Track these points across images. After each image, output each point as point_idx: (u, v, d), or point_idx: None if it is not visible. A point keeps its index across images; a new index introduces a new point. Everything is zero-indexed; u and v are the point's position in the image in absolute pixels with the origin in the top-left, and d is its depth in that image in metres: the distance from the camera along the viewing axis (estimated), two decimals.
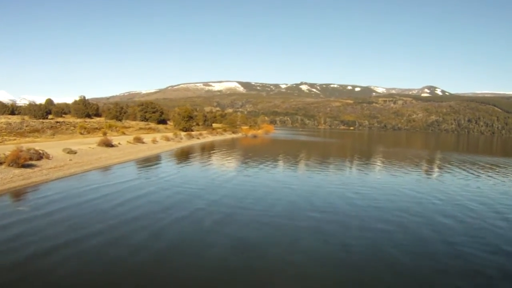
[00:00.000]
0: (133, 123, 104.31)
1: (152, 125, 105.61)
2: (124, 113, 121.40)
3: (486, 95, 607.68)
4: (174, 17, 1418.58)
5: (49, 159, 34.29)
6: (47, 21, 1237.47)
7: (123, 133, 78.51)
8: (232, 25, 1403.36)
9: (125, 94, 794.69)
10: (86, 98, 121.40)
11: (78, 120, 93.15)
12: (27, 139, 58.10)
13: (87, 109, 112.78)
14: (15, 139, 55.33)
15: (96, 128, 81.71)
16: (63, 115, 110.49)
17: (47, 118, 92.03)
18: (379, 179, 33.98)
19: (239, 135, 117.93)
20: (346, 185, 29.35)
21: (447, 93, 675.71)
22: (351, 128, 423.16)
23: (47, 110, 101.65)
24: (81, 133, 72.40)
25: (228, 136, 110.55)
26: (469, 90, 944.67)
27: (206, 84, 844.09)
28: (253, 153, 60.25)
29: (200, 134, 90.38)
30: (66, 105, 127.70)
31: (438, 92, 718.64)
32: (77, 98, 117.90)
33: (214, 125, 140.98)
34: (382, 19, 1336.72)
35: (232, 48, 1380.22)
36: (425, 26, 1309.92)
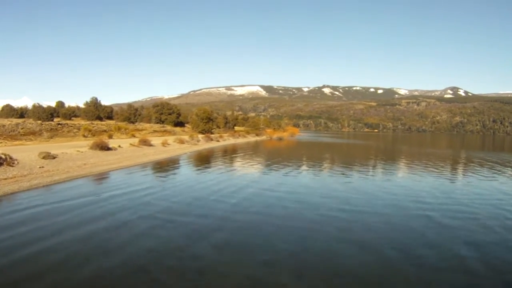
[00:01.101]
0: (147, 125, 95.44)
1: (168, 127, 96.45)
2: (139, 115, 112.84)
3: (510, 95, 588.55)
4: (196, 22, 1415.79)
5: (12, 166, 25.51)
6: (70, 28, 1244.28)
7: (133, 136, 69.60)
8: (253, 29, 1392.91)
9: (147, 99, 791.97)
10: (109, 103, 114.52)
11: (87, 122, 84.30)
12: (16, 142, 49.97)
13: (98, 111, 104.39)
14: (0, 143, 47.02)
15: (104, 131, 73.08)
16: (72, 118, 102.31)
17: (52, 121, 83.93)
18: (452, 195, 23.08)
19: (263, 137, 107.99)
20: (415, 208, 18.40)
21: (470, 94, 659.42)
22: (375, 130, 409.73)
23: (53, 112, 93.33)
24: (84, 136, 63.69)
25: (252, 139, 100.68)
26: (492, 90, 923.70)
27: (228, 88, 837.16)
28: (278, 156, 50.37)
29: (221, 137, 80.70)
30: (78, 107, 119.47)
31: (461, 93, 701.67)
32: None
33: (236, 128, 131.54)
34: (404, 21, 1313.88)
35: (254, 52, 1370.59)
36: (446, 27, 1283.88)
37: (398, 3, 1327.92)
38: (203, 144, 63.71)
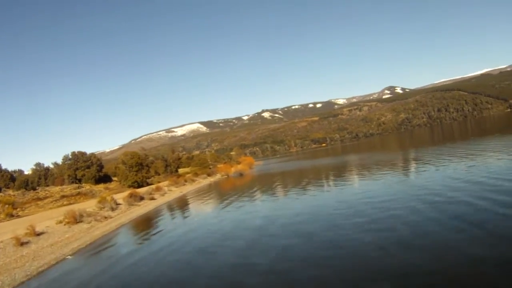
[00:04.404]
0: (57, 189, 65.47)
1: (87, 187, 66.79)
2: (51, 175, 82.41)
3: (446, 83, 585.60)
4: (128, 65, 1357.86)
5: None
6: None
7: (10, 217, 40.27)
8: (183, 66, 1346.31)
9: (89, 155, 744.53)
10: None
11: None
12: None
13: None
14: None
15: None
16: None
17: None
18: None
19: (218, 176, 79.79)
20: None
21: (407, 90, 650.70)
22: (323, 144, 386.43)
23: None
24: None
25: (203, 181, 71.75)
26: (428, 82, 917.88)
27: (168, 130, 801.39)
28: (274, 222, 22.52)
29: (158, 189, 51.66)
30: None
31: (399, 90, 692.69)
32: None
33: (181, 170, 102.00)
34: (324, 28, 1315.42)
35: (188, 89, 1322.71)
36: (367, 28, 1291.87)
37: (315, 14, 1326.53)
38: (121, 214, 34.67)
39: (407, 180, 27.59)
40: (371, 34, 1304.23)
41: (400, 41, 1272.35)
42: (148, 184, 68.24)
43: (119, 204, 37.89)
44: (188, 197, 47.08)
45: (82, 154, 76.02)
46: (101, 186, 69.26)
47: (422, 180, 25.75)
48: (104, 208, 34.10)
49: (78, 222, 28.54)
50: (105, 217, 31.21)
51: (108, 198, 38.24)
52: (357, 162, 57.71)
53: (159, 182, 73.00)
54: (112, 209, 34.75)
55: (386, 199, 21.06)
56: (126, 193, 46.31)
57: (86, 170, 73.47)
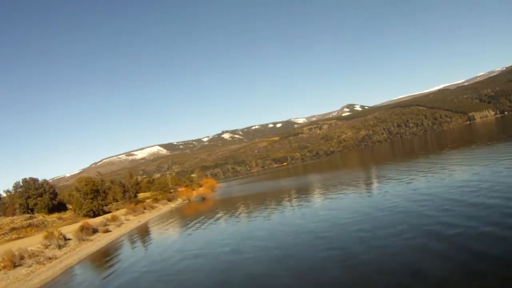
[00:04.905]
0: (6, 220, 60.03)
1: (39, 217, 61.68)
2: (3, 204, 76.63)
3: (403, 99, 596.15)
4: (85, 89, 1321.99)
5: None
6: None
7: None
8: (142, 88, 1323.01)
9: (49, 181, 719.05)
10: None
11: None
12: None
13: None
14: None
15: None
16: None
17: None
18: None
19: (179, 201, 76.02)
20: None
21: (366, 107, 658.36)
22: (284, 164, 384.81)
23: None
24: None
25: (163, 208, 67.81)
26: (386, 99, 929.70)
27: (128, 154, 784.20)
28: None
29: (114, 219, 47.67)
30: None
31: (358, 108, 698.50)
32: None
33: (141, 195, 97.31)
34: (281, 48, 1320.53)
35: (148, 112, 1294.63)
36: (324, 46, 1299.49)
37: (268, 38, 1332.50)
38: (69, 253, 30.62)
39: (395, 205, 22.42)
40: (328, 52, 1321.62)
41: (357, 59, 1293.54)
42: (105, 212, 63.76)
43: (69, 239, 33.88)
44: (146, 228, 43.35)
45: (34, 180, 70.71)
46: (54, 216, 64.22)
47: (412, 202, 21.85)
48: (50, 245, 30.12)
49: (16, 266, 24.61)
50: (49, 258, 27.24)
51: (56, 233, 34.05)
52: (323, 183, 54.37)
53: (117, 209, 68.80)
54: (59, 247, 30.72)
55: (383, 234, 16.59)
56: (78, 225, 42.17)
57: (38, 199, 68.28)
